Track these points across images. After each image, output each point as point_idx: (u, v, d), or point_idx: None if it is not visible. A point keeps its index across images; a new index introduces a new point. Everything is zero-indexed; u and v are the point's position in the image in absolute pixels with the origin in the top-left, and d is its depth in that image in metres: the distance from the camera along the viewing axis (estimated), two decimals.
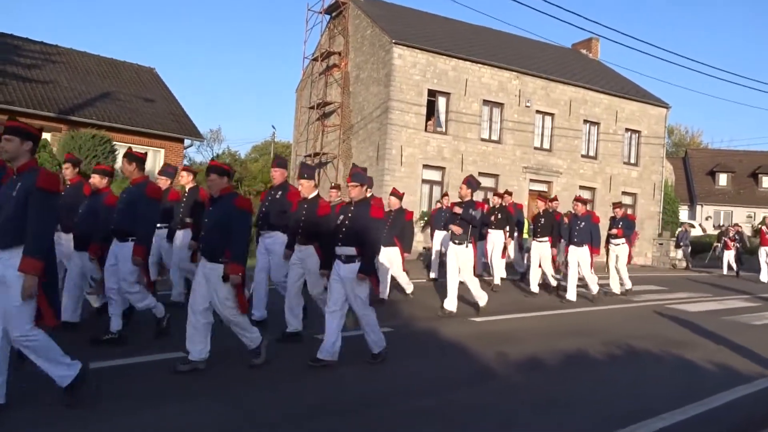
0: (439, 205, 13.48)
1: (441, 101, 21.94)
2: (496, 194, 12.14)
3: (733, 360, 6.79)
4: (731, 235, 19.98)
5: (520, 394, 5.14)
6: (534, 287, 10.98)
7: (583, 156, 24.76)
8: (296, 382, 5.06)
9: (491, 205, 12.04)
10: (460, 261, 8.27)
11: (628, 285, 11.98)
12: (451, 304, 8.29)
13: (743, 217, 36.18)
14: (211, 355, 5.13)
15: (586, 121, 24.77)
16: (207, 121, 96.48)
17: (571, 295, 10.32)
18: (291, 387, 4.94)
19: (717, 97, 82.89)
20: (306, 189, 6.55)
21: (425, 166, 21.44)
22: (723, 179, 41.06)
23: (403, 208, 9.69)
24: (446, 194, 13.51)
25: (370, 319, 5.60)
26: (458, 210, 8.05)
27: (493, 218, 11.49)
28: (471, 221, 8.02)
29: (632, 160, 26.16)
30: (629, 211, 25.92)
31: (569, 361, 6.34)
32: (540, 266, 11.08)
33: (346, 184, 5.84)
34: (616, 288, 11.74)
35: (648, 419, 4.64)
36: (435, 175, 21.77)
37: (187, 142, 22.07)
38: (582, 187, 24.64)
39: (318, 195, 6.63)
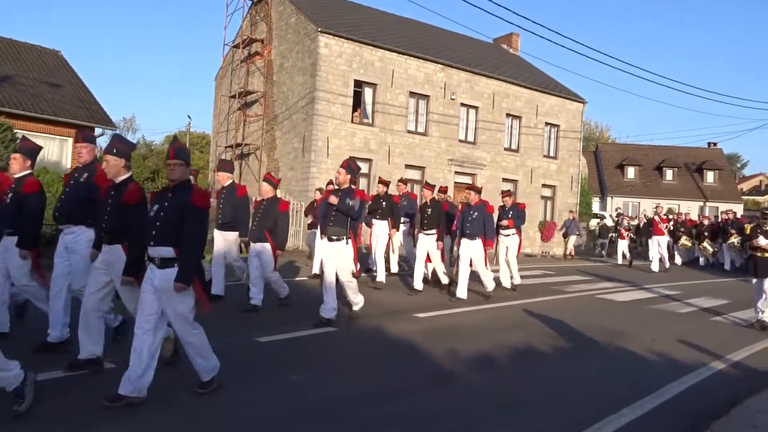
0: (318, 195, 12.29)
1: (368, 92, 21.65)
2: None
3: (673, 349, 6.93)
4: (625, 224, 20.18)
5: (481, 395, 4.94)
6: (417, 284, 9.87)
7: (505, 149, 25.18)
8: (245, 392, 4.64)
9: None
10: (338, 259, 7.16)
11: (517, 280, 11.15)
12: (355, 305, 7.61)
13: (650, 208, 38.16)
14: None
15: (508, 115, 25.19)
16: (120, 109, 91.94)
17: (462, 292, 9.31)
18: (239, 398, 4.52)
19: (625, 90, 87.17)
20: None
21: (352, 158, 21.07)
22: (631, 172, 43.10)
23: (278, 197, 8.38)
24: (330, 182, 11.31)
25: (196, 340, 4.37)
26: (333, 200, 6.99)
27: (377, 207, 10.64)
28: (348, 212, 6.98)
29: (551, 154, 26.90)
30: (543, 204, 26.81)
31: (520, 357, 6.24)
32: (433, 260, 10.12)
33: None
34: (506, 282, 10.89)
35: (610, 416, 4.59)
36: (362, 167, 21.44)
37: (98, 130, 20.62)
38: (505, 180, 25.11)
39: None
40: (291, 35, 22.24)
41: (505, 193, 11.29)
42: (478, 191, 9.77)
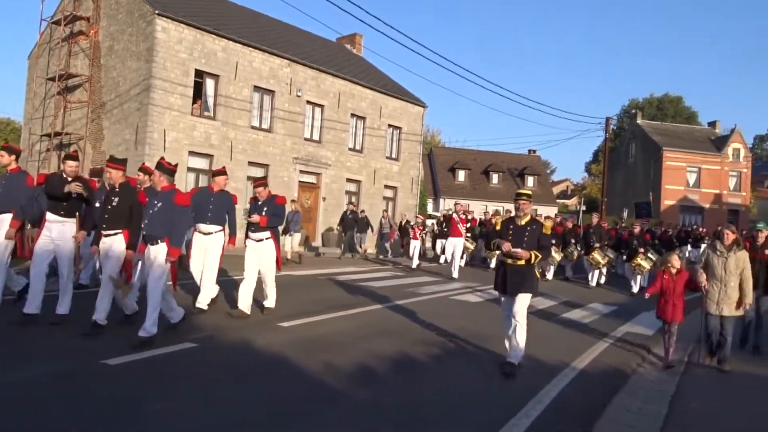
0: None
1: (209, 83, 20.39)
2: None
3: (534, 350, 7.10)
4: (418, 223, 18.56)
5: (373, 414, 4.60)
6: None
7: (350, 149, 25.19)
8: (98, 428, 3.85)
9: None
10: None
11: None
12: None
13: (479, 210, 40.50)
14: None
15: (353, 115, 25.22)
16: None
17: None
18: None
19: (460, 95, 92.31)
20: None
21: (191, 153, 19.74)
22: (461, 175, 45.52)
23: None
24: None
25: None
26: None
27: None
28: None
29: (394, 155, 27.41)
30: (386, 204, 27.20)
31: (399, 368, 6.00)
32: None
33: None
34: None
35: (503, 427, 4.50)
36: (202, 163, 20.18)
37: None
38: (349, 180, 25.13)
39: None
40: (123, 16, 20.27)
41: (258, 182, 8.27)
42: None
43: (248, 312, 7.68)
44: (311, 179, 23.76)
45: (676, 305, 6.87)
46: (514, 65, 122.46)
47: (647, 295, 7.37)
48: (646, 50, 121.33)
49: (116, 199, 6.32)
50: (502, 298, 6.41)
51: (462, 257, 16.34)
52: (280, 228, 9.04)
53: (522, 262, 6.08)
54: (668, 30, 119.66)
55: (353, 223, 19.89)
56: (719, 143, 47.44)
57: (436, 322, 8.45)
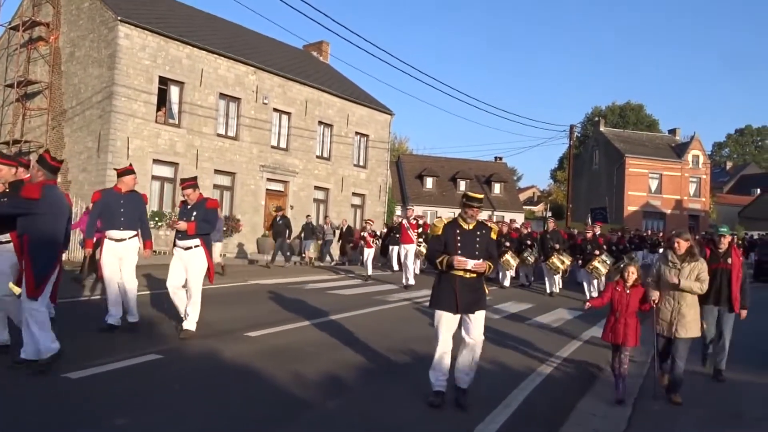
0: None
1: (174, 90, 20.14)
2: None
3: (502, 355, 7.18)
4: (369, 230, 17.50)
5: (342, 423, 4.56)
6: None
7: (317, 157, 25.12)
8: None
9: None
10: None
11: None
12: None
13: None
14: None
15: (320, 123, 25.18)
16: None
17: (131, 317, 7.14)
18: None
19: (427, 103, 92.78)
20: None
21: (156, 161, 19.45)
22: (429, 182, 45.77)
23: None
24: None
25: None
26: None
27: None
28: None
29: (361, 163, 27.42)
30: (353, 212, 27.15)
31: (368, 376, 5.96)
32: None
33: None
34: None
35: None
36: (167, 171, 19.89)
37: None
38: (317, 188, 25.04)
39: None
40: (84, 22, 19.91)
41: (187, 182, 7.25)
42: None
43: (194, 329, 6.92)
44: (279, 187, 23.61)
45: (629, 325, 5.68)
46: (482, 74, 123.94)
47: (587, 306, 6.27)
48: (608, 59, 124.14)
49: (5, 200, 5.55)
50: (442, 317, 5.09)
51: (416, 263, 15.77)
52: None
53: (474, 275, 5.05)
54: (629, 39, 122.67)
55: (283, 228, 18.08)
56: (679, 150, 48.69)
57: (404, 329, 8.44)
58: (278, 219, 18.55)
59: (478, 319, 5.13)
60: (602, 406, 5.40)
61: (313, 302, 10.46)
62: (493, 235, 5.28)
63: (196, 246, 6.95)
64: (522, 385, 5.99)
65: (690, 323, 5.71)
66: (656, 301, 5.78)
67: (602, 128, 51.94)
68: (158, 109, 19.67)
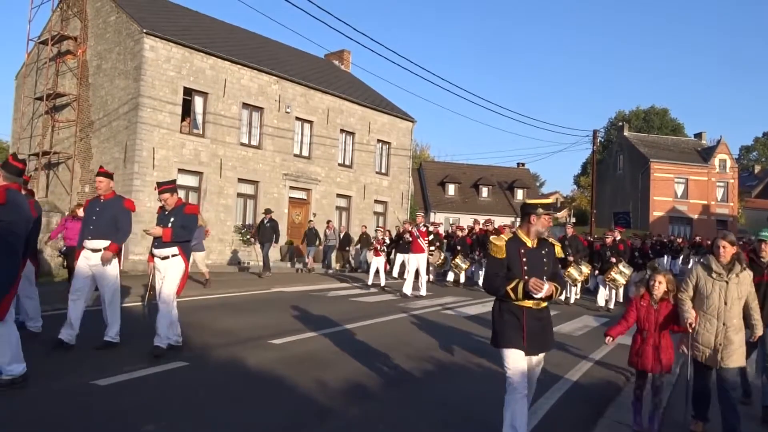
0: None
1: (198, 101, 20.41)
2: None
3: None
4: (379, 237, 16.43)
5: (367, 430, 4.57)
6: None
7: (340, 164, 25.24)
8: None
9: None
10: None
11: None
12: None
13: (469, 223, 40.72)
14: None
15: (342, 131, 25.30)
16: None
17: (112, 332, 6.64)
18: None
19: (451, 110, 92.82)
20: None
21: (181, 171, 19.70)
22: (452, 189, 45.67)
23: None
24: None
25: None
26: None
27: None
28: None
29: (383, 170, 27.48)
30: (376, 219, 27.19)
31: (391, 384, 5.96)
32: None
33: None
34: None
35: None
36: (192, 181, 20.13)
37: None
38: (339, 195, 25.15)
39: None
40: (111, 35, 20.30)
41: (164, 186, 6.79)
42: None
43: (165, 347, 6.34)
44: (301, 195, 23.76)
45: (661, 347, 4.72)
46: (503, 79, 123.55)
47: (608, 340, 5.01)
48: (632, 63, 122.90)
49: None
50: (509, 356, 4.08)
51: (428, 273, 14.99)
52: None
53: (544, 304, 4.19)
54: (653, 42, 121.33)
55: (270, 232, 16.65)
56: (706, 154, 47.92)
57: (426, 338, 8.43)
58: (266, 222, 16.82)
59: (540, 362, 4.37)
60: (629, 415, 5.33)
61: (335, 310, 10.51)
62: (559, 254, 4.39)
63: (173, 255, 6.49)
64: (549, 393, 5.94)
65: (738, 351, 4.65)
66: (692, 323, 4.69)
67: (626, 133, 51.35)
68: (183, 120, 19.95)
